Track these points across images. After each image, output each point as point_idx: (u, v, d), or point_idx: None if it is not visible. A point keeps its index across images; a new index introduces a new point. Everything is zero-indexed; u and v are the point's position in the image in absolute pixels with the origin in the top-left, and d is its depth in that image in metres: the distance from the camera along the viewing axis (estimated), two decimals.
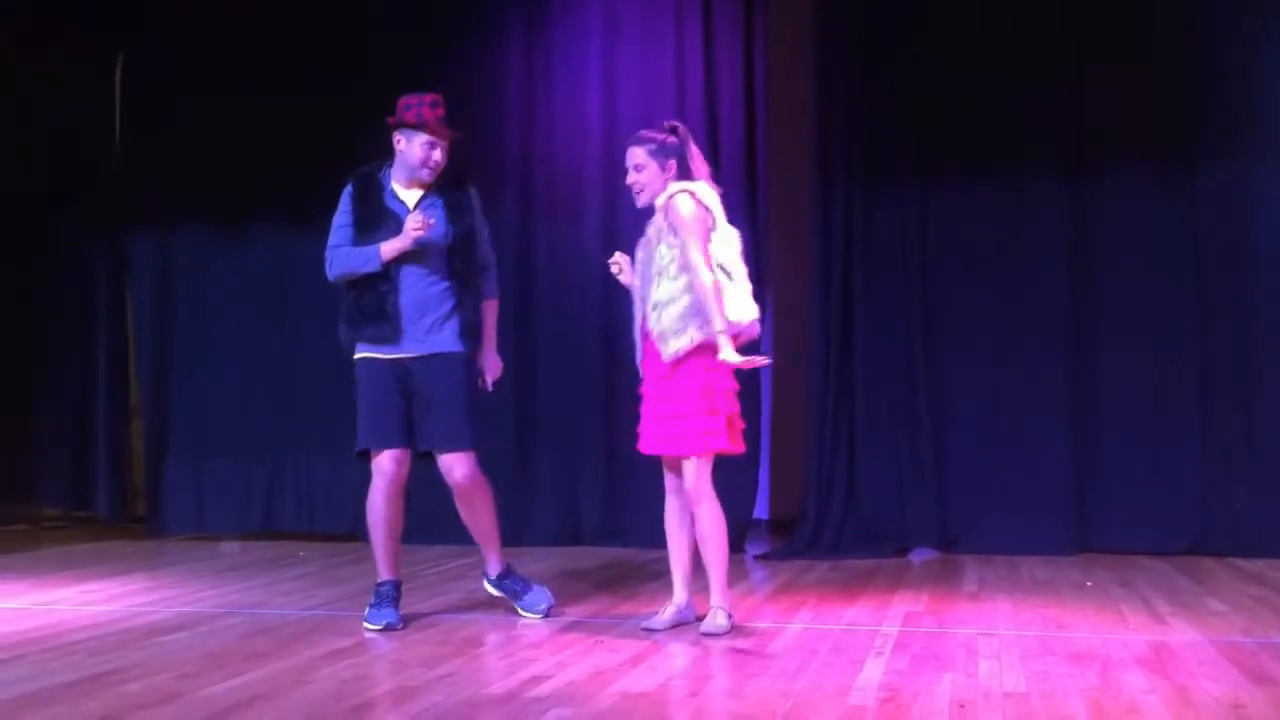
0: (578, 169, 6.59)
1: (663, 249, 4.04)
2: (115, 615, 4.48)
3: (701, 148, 6.26)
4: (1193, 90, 5.97)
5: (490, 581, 4.47)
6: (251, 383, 7.01)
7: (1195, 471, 5.88)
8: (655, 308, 4.02)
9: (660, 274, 4.02)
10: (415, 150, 4.29)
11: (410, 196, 4.34)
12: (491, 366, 4.43)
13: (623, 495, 6.42)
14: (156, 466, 7.10)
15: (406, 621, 4.25)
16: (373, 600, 4.30)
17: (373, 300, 4.26)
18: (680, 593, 4.16)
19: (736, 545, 6.09)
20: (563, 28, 6.65)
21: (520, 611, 4.37)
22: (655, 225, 4.12)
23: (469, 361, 4.33)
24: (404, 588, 4.38)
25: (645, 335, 4.12)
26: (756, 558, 5.96)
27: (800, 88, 6.42)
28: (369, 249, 4.26)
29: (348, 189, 4.40)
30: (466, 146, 4.61)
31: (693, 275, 3.95)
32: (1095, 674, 3.43)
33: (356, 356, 4.34)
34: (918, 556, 5.91)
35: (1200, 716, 2.99)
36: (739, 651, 3.77)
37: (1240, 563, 5.54)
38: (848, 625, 4.20)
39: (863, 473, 6.14)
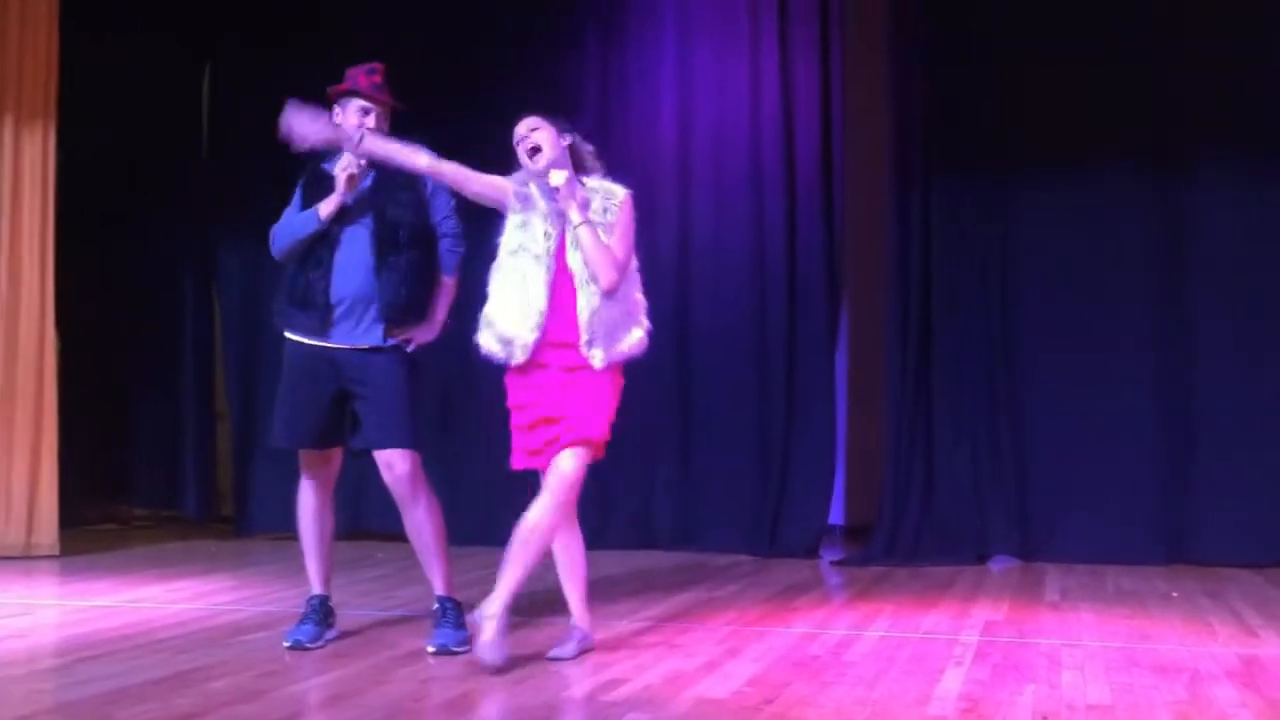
0: (652, 178, 6.57)
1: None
2: (200, 614, 4.58)
3: (778, 154, 6.33)
4: None
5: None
6: None
7: None
8: (595, 313, 3.72)
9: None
10: (350, 118, 4.02)
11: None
12: (420, 333, 3.99)
13: (696, 501, 6.42)
14: (244, 467, 7.24)
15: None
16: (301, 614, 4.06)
17: (303, 287, 3.93)
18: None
19: (812, 551, 6.07)
20: (638, 37, 6.66)
21: (430, 642, 3.91)
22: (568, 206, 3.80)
23: (404, 356, 3.97)
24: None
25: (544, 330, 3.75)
26: (833, 563, 5.92)
27: (876, 90, 6.36)
28: (306, 212, 3.96)
29: (299, 181, 4.09)
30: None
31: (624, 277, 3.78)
32: (1183, 687, 3.36)
33: (287, 336, 4.01)
34: (997, 564, 5.82)
35: None
36: (815, 658, 3.74)
37: None
38: (926, 633, 4.14)
39: (940, 477, 6.07)
